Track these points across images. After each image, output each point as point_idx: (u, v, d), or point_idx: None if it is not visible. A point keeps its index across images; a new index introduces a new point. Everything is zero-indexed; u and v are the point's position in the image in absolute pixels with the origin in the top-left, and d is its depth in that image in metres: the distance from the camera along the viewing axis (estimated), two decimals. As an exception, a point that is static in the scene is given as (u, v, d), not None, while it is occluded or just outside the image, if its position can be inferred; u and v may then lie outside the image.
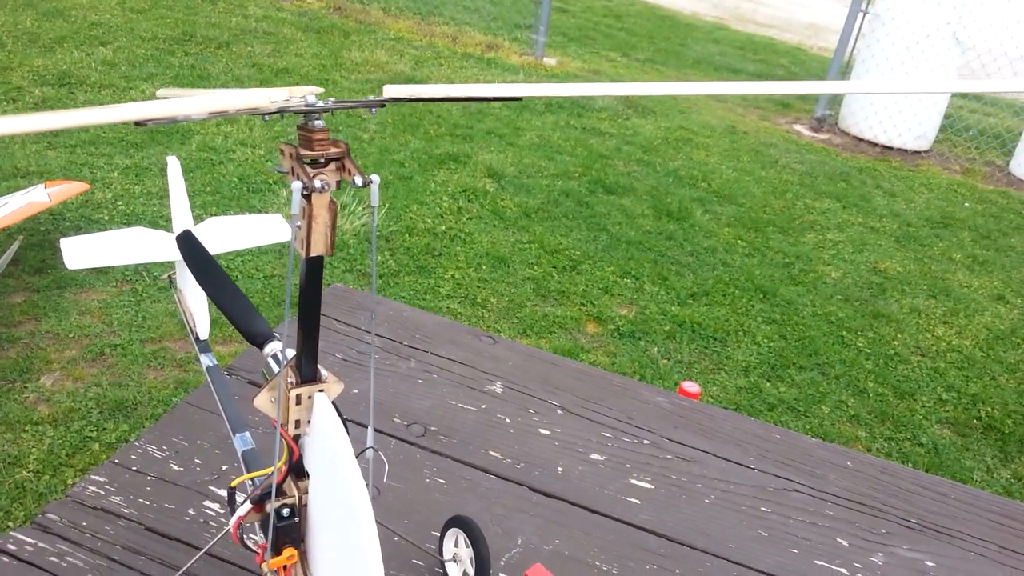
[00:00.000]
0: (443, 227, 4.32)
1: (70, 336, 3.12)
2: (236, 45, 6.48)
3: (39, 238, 3.65)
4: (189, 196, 4.37)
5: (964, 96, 7.78)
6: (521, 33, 7.95)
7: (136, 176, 4.31)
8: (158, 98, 0.70)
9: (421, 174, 4.87)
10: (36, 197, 3.43)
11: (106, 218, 3.90)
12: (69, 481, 2.50)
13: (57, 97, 5.08)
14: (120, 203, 4.03)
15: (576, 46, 8.57)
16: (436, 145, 5.30)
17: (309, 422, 0.86)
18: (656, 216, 4.86)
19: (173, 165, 1.34)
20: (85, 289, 3.41)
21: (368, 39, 7.25)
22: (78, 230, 3.78)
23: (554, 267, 4.12)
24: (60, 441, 2.65)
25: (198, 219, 1.52)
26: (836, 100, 7.14)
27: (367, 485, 0.91)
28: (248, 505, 0.89)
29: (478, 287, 3.85)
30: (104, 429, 2.72)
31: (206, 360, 1.23)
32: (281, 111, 0.69)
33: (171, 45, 6.24)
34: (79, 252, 1.29)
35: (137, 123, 0.62)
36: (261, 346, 0.95)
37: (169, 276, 1.39)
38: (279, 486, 0.87)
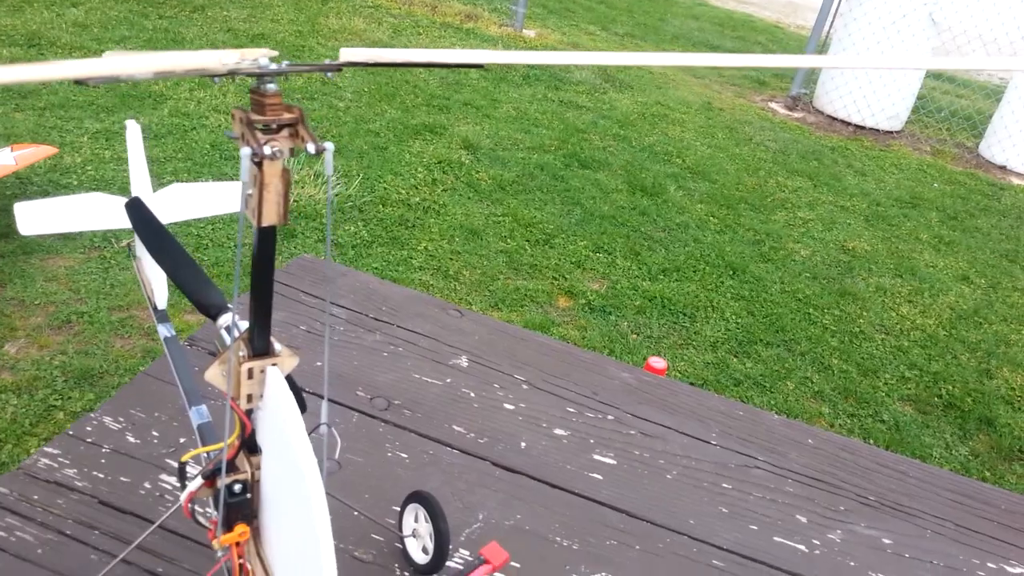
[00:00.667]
0: (417, 198, 4.28)
1: (35, 303, 3.07)
2: (212, 9, 6.35)
3: (3, 203, 3.57)
4: (160, 162, 4.30)
5: (937, 77, 7.82)
6: (501, 4, 7.86)
7: (106, 141, 4.23)
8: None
9: (396, 144, 4.82)
10: (2, 160, 3.36)
11: (75, 183, 3.83)
12: (32, 450, 2.47)
13: (26, 58, 4.96)
14: (90, 168, 3.96)
15: (556, 18, 8.50)
16: (412, 115, 5.25)
17: (262, 396, 0.84)
18: (630, 191, 4.85)
19: (132, 129, 1.30)
20: (52, 255, 3.35)
21: (346, 6, 7.14)
22: (45, 195, 3.71)
23: (527, 240, 4.11)
24: (24, 410, 2.61)
25: (166, 186, 1.49)
26: (812, 79, 7.16)
27: (322, 461, 0.90)
28: (200, 480, 0.87)
29: (451, 259, 3.83)
30: (69, 398, 2.69)
31: (164, 331, 1.21)
32: (232, 73, 0.67)
33: (145, 7, 6.11)
34: (33, 217, 1.26)
35: (77, 81, 0.59)
36: (215, 317, 0.93)
37: (128, 244, 1.36)
38: (231, 461, 0.86)
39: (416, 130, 5.05)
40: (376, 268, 3.64)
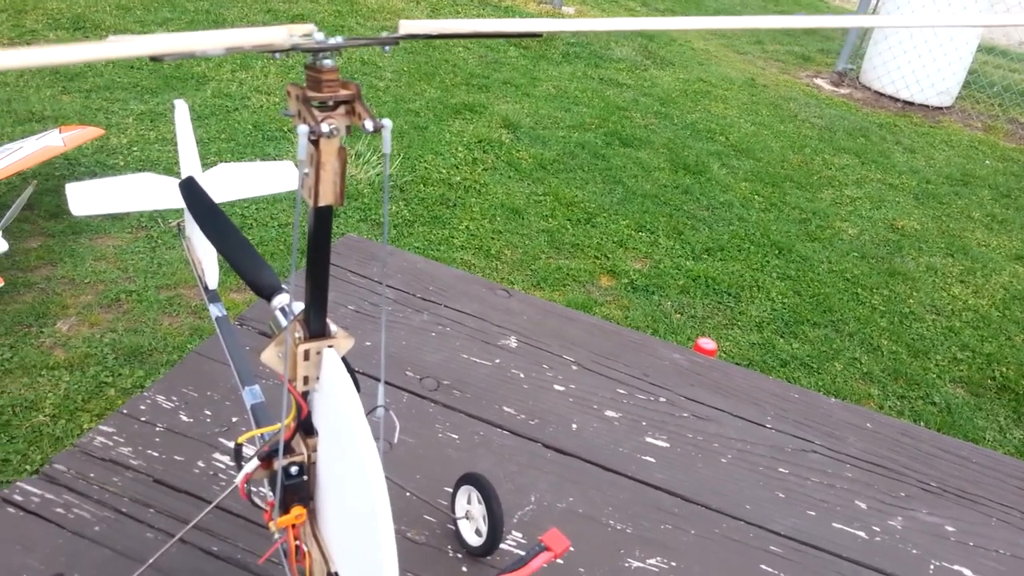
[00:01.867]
0: (458, 178, 4.26)
1: (85, 282, 3.11)
2: (250, -11, 6.37)
3: (54, 183, 3.62)
4: (204, 143, 4.34)
5: (989, 51, 7.59)
6: (538, -20, 7.77)
7: (151, 122, 4.27)
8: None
9: (436, 124, 4.80)
10: (51, 142, 3.40)
11: (121, 164, 3.87)
12: (85, 426, 2.50)
13: (72, 41, 5.01)
14: (135, 149, 4.00)
15: (594, -6, 8.38)
16: (452, 95, 5.22)
17: (318, 378, 0.83)
18: (672, 169, 4.78)
19: (181, 109, 1.29)
20: (100, 235, 3.39)
21: (383, -16, 7.11)
22: (93, 175, 3.75)
23: (569, 220, 4.08)
24: (76, 386, 2.66)
25: (212, 167, 1.48)
26: (858, 54, 6.99)
27: (382, 442, 0.89)
28: (256, 462, 0.87)
29: (492, 239, 3.81)
30: (120, 375, 2.73)
31: (215, 310, 1.20)
32: (295, 48, 0.65)
33: (184, -11, 6.14)
34: (85, 198, 1.26)
35: (153, 58, 0.58)
36: (269, 298, 0.92)
37: (178, 224, 1.36)
38: (287, 443, 0.85)
39: (456, 109, 5.02)
40: (417, 247, 3.63)
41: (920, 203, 5.01)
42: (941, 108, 6.68)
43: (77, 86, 4.49)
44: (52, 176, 3.66)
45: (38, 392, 2.60)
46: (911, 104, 6.62)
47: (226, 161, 4.00)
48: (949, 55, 6.39)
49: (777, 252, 4.13)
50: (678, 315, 3.53)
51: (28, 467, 2.35)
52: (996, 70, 7.56)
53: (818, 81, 6.94)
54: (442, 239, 3.74)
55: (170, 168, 3.87)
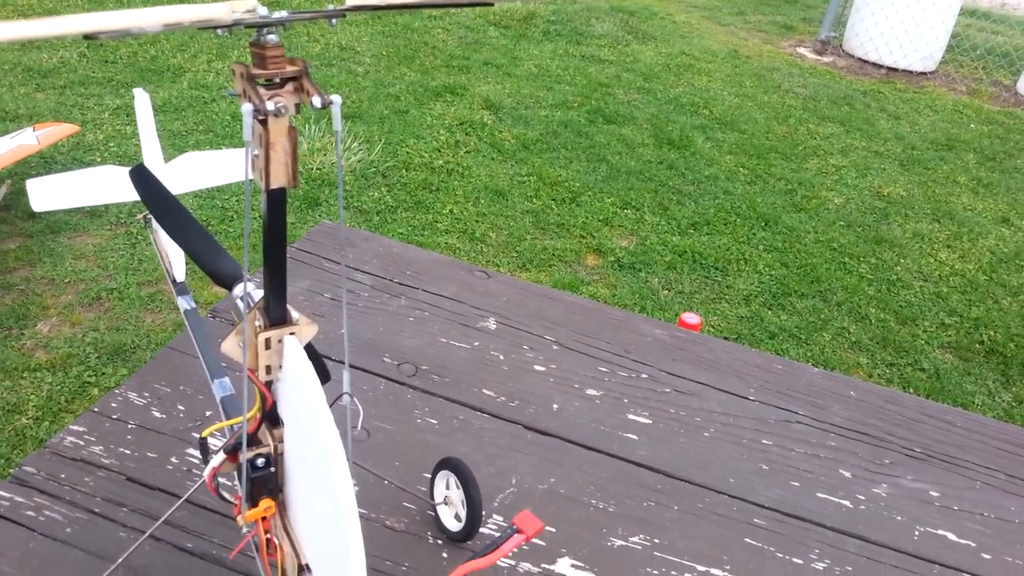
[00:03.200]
0: (440, 161, 4.23)
1: (66, 281, 3.08)
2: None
3: (33, 178, 3.58)
4: (182, 136, 4.28)
5: (971, 14, 7.56)
6: (516, -42, 7.69)
7: (127, 116, 4.22)
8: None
9: (417, 107, 4.76)
10: (25, 140, 3.36)
11: (98, 160, 3.83)
12: (67, 424, 2.48)
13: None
14: (112, 144, 3.95)
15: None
16: (432, 77, 5.18)
17: (281, 366, 0.81)
18: (657, 145, 4.76)
19: (141, 98, 1.27)
20: (79, 233, 3.36)
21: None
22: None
23: (553, 199, 4.05)
24: (59, 387, 2.63)
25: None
26: (840, 22, 6.95)
27: (350, 430, 0.87)
28: (222, 455, 0.85)
29: (477, 221, 3.79)
30: (103, 374, 2.70)
31: (183, 303, 1.18)
32: (236, 23, 0.63)
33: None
34: (46, 193, 1.23)
35: (87, 36, 0.56)
36: (230, 287, 0.90)
37: (144, 216, 1.33)
38: (253, 435, 0.83)
39: (436, 92, 4.98)
40: (402, 233, 3.60)
41: (906, 169, 5.00)
42: (925, 73, 6.65)
43: (51, 83, 4.44)
44: (28, 175, 3.61)
45: (20, 395, 2.58)
46: (895, 70, 6.59)
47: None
48: (932, 19, 6.36)
49: (763, 224, 4.12)
50: (666, 291, 3.52)
51: (12, 471, 2.33)
52: (979, 33, 7.54)
53: (801, 50, 6.90)
54: (426, 224, 3.71)
55: (148, 162, 3.83)
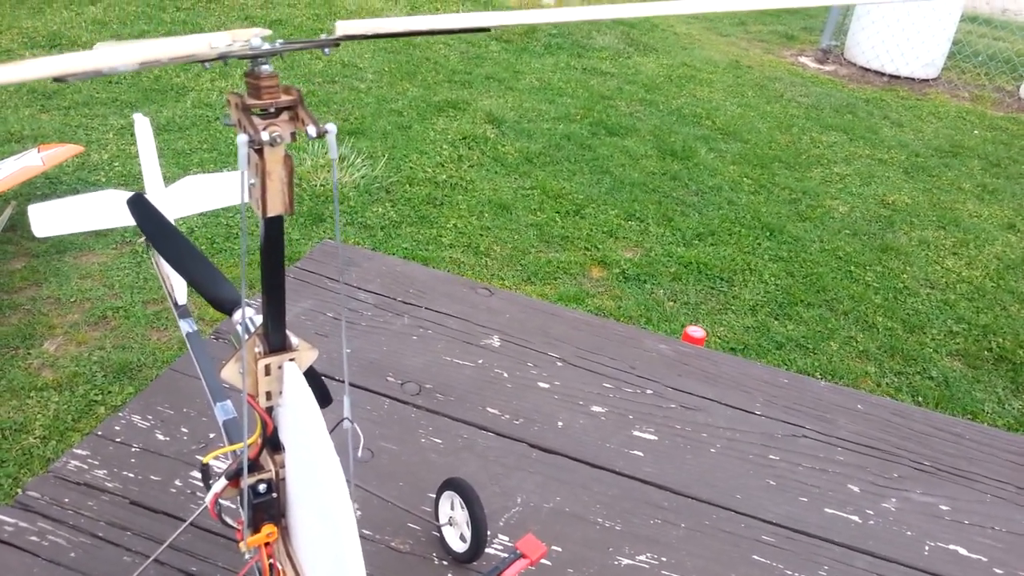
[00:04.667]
0: (444, 176, 4.24)
1: (72, 300, 3.09)
2: (228, -3, 6.33)
3: (35, 203, 3.60)
4: (186, 154, 4.29)
5: (973, 20, 7.56)
6: (517, -28, 7.73)
7: (131, 136, 4.23)
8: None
9: (420, 123, 4.77)
10: (29, 161, 3.37)
11: (103, 180, 3.84)
12: (70, 448, 2.48)
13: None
14: (116, 164, 3.97)
15: (574, -17, 8.34)
16: (434, 92, 5.19)
17: (281, 392, 0.81)
18: (660, 156, 4.76)
19: (141, 123, 1.27)
20: (85, 252, 3.37)
21: (361, -15, 7.07)
22: (75, 193, 3.72)
23: (557, 212, 4.05)
24: (66, 406, 2.63)
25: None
26: (841, 30, 6.95)
27: (352, 454, 0.86)
28: (223, 481, 0.85)
29: (481, 235, 3.79)
30: (109, 392, 2.70)
31: (185, 326, 1.18)
32: (223, 57, 0.63)
33: (161, 1, 6.09)
34: (48, 218, 1.23)
35: (56, 79, 0.55)
36: (230, 313, 0.90)
37: (145, 240, 1.33)
38: (254, 461, 0.83)
39: (439, 107, 4.99)
40: (406, 248, 3.60)
41: (910, 177, 4.98)
42: (927, 80, 6.64)
43: (56, 104, 4.46)
44: (33, 196, 3.63)
45: (27, 414, 2.58)
46: (897, 78, 6.59)
47: (208, 171, 3.98)
48: (933, 26, 6.36)
49: (768, 234, 4.11)
50: (671, 303, 3.51)
51: (19, 491, 2.33)
52: (980, 39, 7.53)
53: (803, 59, 6.91)
54: (430, 238, 3.71)
55: (153, 181, 3.84)
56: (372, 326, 1.60)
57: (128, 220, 1.30)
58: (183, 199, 1.23)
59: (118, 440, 1.24)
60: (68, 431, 2.55)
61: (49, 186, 3.75)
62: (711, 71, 6.26)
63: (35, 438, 2.51)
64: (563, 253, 3.75)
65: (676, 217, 4.14)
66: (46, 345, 2.88)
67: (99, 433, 1.24)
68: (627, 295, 3.50)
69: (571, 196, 4.20)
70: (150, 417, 1.28)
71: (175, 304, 1.22)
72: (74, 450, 1.20)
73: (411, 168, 4.26)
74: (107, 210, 1.31)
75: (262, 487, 0.83)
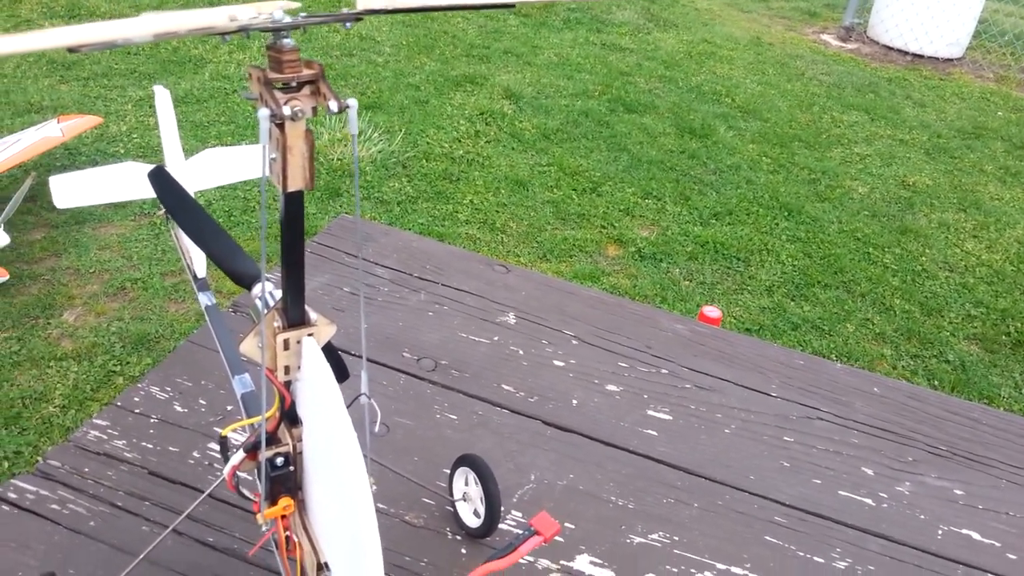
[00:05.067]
0: (461, 151, 4.23)
1: (91, 271, 3.11)
2: (244, -32, 6.29)
3: (55, 174, 3.61)
4: (204, 127, 4.30)
5: (1001, -1, 7.43)
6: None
7: (150, 108, 4.24)
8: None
9: (437, 97, 4.75)
10: (49, 132, 3.39)
11: (122, 151, 3.86)
12: (95, 416, 2.51)
13: None
14: (135, 136, 3.98)
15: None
16: (452, 67, 5.17)
17: (299, 367, 0.81)
18: (678, 134, 4.72)
19: (161, 95, 1.27)
20: (104, 223, 3.39)
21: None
22: (94, 164, 3.74)
23: (574, 189, 4.04)
24: (85, 376, 2.66)
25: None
26: (865, 7, 6.85)
27: (368, 428, 0.87)
28: (241, 454, 0.85)
29: (497, 212, 3.78)
30: (128, 363, 2.73)
31: (204, 299, 1.19)
32: (243, 29, 0.62)
33: (179, -31, 6.08)
34: (69, 190, 1.24)
35: (70, 49, 0.55)
36: (249, 287, 0.90)
37: (165, 212, 1.34)
38: (272, 434, 0.83)
39: (456, 82, 4.96)
40: (422, 223, 3.60)
41: (931, 158, 4.93)
42: (951, 60, 6.55)
43: (75, 74, 4.47)
44: (52, 167, 3.65)
45: (47, 383, 2.61)
46: (920, 57, 6.50)
47: (227, 144, 3.98)
48: (958, 5, 6.26)
49: (786, 214, 4.08)
50: (687, 282, 3.50)
51: (39, 459, 2.36)
52: (1007, 18, 7.40)
53: (825, 37, 6.82)
54: (446, 214, 3.71)
55: (171, 153, 3.85)
56: (388, 301, 1.60)
57: (147, 192, 1.31)
58: (203, 172, 1.23)
59: (137, 411, 1.25)
60: (87, 400, 2.58)
61: (68, 157, 3.77)
62: (731, 48, 6.19)
63: (55, 407, 2.55)
64: (579, 231, 3.74)
65: (693, 196, 4.11)
66: (65, 315, 2.91)
67: (118, 404, 1.26)
68: (643, 274, 3.49)
69: (588, 173, 4.18)
70: (168, 389, 1.30)
71: (194, 277, 1.23)
72: (94, 420, 1.22)
73: (428, 143, 4.25)
74: (126, 182, 1.31)
75: (279, 460, 0.84)
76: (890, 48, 6.61)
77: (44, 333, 2.82)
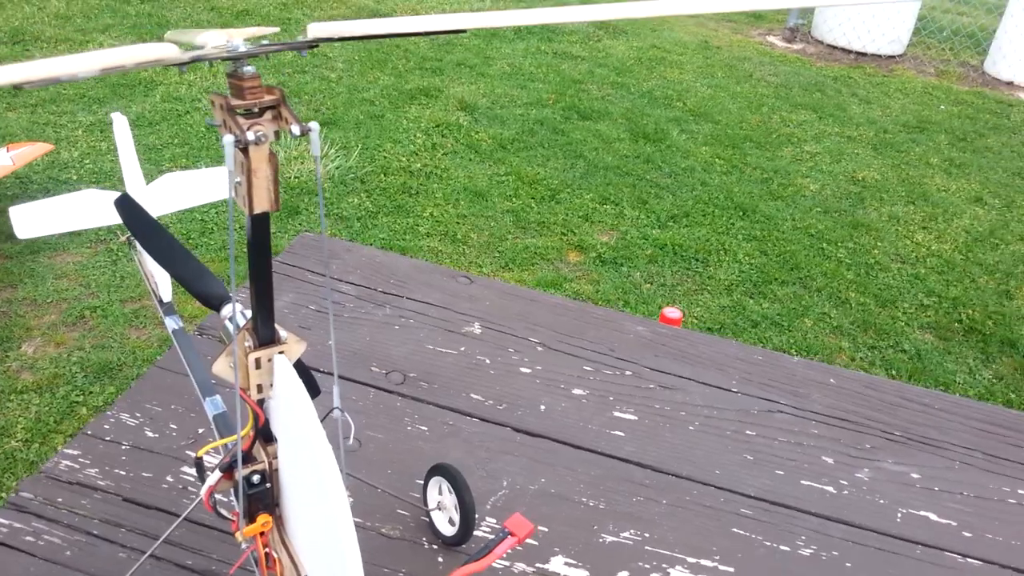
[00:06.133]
0: (418, 164, 4.25)
1: (48, 301, 3.07)
2: (192, -11, 6.27)
3: (6, 203, 3.56)
4: (157, 149, 4.26)
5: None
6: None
7: (101, 132, 4.20)
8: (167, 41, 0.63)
9: (392, 111, 4.77)
10: (-1, 161, 3.34)
11: (74, 178, 3.81)
12: (59, 448, 2.48)
13: (12, 55, 4.91)
14: (87, 161, 3.94)
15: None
16: (406, 80, 5.19)
17: (271, 385, 0.83)
18: (633, 139, 4.79)
19: (119, 122, 1.28)
20: (59, 252, 3.35)
21: (328, -27, 7.01)
22: (46, 192, 3.69)
23: (533, 198, 4.08)
24: (47, 408, 2.63)
25: (166, 172, 1.47)
26: (809, 9, 7.01)
27: (342, 442, 0.89)
28: (218, 473, 0.87)
29: (457, 223, 3.81)
30: (91, 392, 2.70)
31: (171, 323, 1.19)
32: (197, 59, 0.64)
33: (124, -7, 6.03)
34: (29, 220, 1.24)
35: (15, 87, 0.56)
36: (218, 308, 0.91)
37: (128, 238, 1.34)
38: (247, 452, 0.85)
39: (411, 95, 4.99)
40: (383, 238, 3.62)
41: (879, 153, 5.06)
42: (893, 56, 6.72)
43: (22, 101, 4.41)
44: (4, 196, 3.60)
45: (8, 417, 2.58)
46: (864, 55, 6.66)
47: (182, 166, 3.96)
48: (898, 3, 6.43)
49: (741, 214, 4.16)
50: (648, 285, 3.55)
51: (3, 495, 2.33)
52: (945, 15, 7.62)
53: (771, 39, 6.96)
54: (407, 228, 3.72)
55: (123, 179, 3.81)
56: (354, 317, 1.62)
57: (109, 220, 1.31)
58: (164, 197, 1.24)
59: (108, 438, 1.25)
60: (51, 433, 2.55)
61: (20, 186, 3.72)
62: (681, 52, 6.29)
63: (17, 441, 2.51)
64: (540, 239, 3.77)
65: (650, 200, 4.18)
66: (24, 347, 2.87)
67: (88, 432, 1.26)
68: (604, 279, 3.54)
69: (546, 181, 4.23)
70: (138, 415, 1.30)
71: (160, 301, 1.23)
72: (64, 450, 1.22)
73: (385, 158, 4.26)
74: (88, 210, 1.31)
75: (256, 478, 0.85)
76: (834, 47, 6.76)
77: (3, 367, 2.78)
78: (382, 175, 4.11)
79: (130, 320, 3.02)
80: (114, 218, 1.31)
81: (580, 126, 4.87)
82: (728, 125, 5.14)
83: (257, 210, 0.73)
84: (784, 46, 6.80)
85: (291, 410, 0.79)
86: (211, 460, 1.15)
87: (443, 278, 1.78)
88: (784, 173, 4.63)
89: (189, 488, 1.19)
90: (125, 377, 2.78)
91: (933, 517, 1.35)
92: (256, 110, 0.70)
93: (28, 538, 1.08)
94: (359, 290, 1.70)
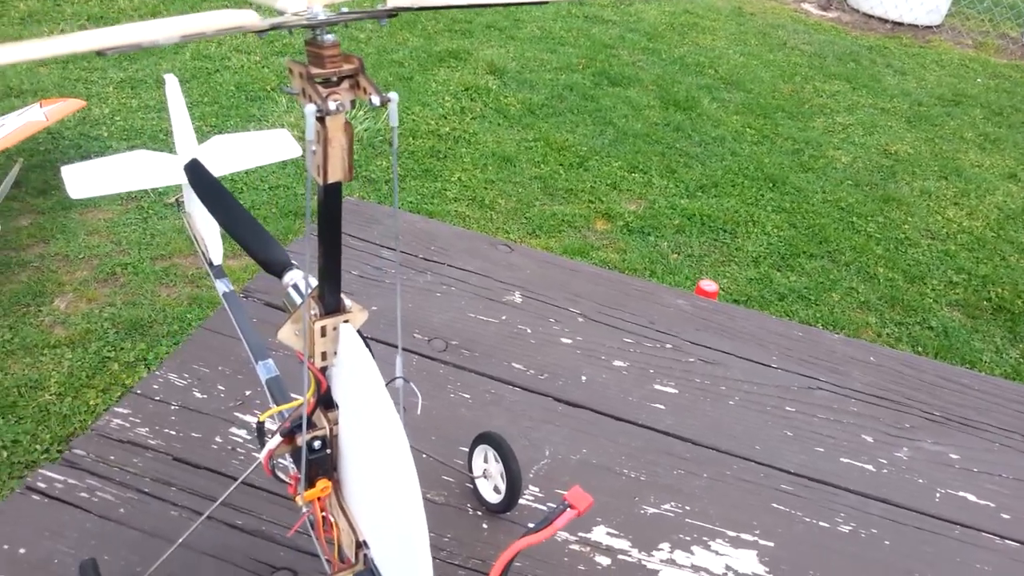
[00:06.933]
0: (447, 128, 4.23)
1: (80, 257, 3.10)
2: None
3: (39, 159, 3.58)
4: (187, 107, 4.26)
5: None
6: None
7: (132, 89, 4.20)
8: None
9: (421, 74, 4.74)
10: (33, 117, 3.35)
11: (105, 134, 3.82)
12: (91, 402, 2.52)
13: (43, 10, 4.91)
14: (118, 118, 3.95)
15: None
16: (435, 42, 5.14)
17: (335, 353, 0.84)
18: (663, 107, 4.74)
19: (171, 84, 1.28)
20: (91, 208, 3.37)
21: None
22: (78, 148, 3.71)
23: (561, 164, 4.06)
24: (79, 363, 2.66)
25: (196, 131, 1.46)
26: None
27: (402, 412, 0.90)
28: (279, 438, 0.88)
29: (485, 188, 3.80)
30: (122, 349, 2.73)
31: (222, 286, 1.20)
32: (276, 27, 0.64)
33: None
34: (81, 180, 1.24)
35: (98, 53, 0.56)
36: (280, 275, 0.92)
37: (177, 199, 1.35)
38: (308, 418, 0.86)
39: (440, 57, 4.95)
40: (411, 202, 3.61)
41: (912, 126, 4.98)
42: (931, 27, 6.60)
43: (53, 57, 4.41)
44: (37, 152, 3.62)
45: (42, 371, 2.61)
46: (900, 24, 6.54)
47: (211, 124, 3.96)
48: (936, -28, 6.30)
49: (771, 185, 4.13)
50: (675, 255, 3.54)
51: (38, 447, 2.38)
52: (984, -15, 7.45)
53: (806, 6, 6.84)
54: (435, 192, 3.72)
55: (155, 136, 3.83)
56: (395, 283, 1.62)
57: (160, 181, 1.32)
58: (215, 159, 1.24)
59: (157, 398, 1.27)
60: (83, 387, 2.59)
61: (52, 142, 3.74)
62: (714, 18, 6.20)
63: (51, 395, 2.55)
64: (567, 206, 3.76)
65: (679, 169, 4.14)
66: (56, 302, 2.90)
67: (138, 391, 1.28)
68: (632, 248, 3.53)
69: (574, 148, 4.20)
70: (186, 375, 1.32)
71: (210, 264, 1.24)
72: (115, 408, 1.24)
73: (414, 121, 4.24)
74: (140, 171, 1.32)
75: (317, 443, 0.87)
76: (870, 16, 6.64)
77: (36, 321, 2.81)
78: (410, 138, 4.09)
79: (160, 278, 3.05)
80: (163, 179, 1.32)
81: (610, 92, 4.83)
82: (760, 94, 5.07)
83: (331, 179, 0.73)
84: (819, 14, 6.68)
85: (357, 378, 0.80)
86: (269, 425, 1.17)
87: (483, 246, 1.78)
88: (815, 144, 4.58)
89: (237, 449, 1.21)
90: (155, 334, 2.81)
91: (971, 498, 1.35)
92: (335, 79, 0.70)
93: (83, 494, 1.11)
94: (401, 256, 1.71)
